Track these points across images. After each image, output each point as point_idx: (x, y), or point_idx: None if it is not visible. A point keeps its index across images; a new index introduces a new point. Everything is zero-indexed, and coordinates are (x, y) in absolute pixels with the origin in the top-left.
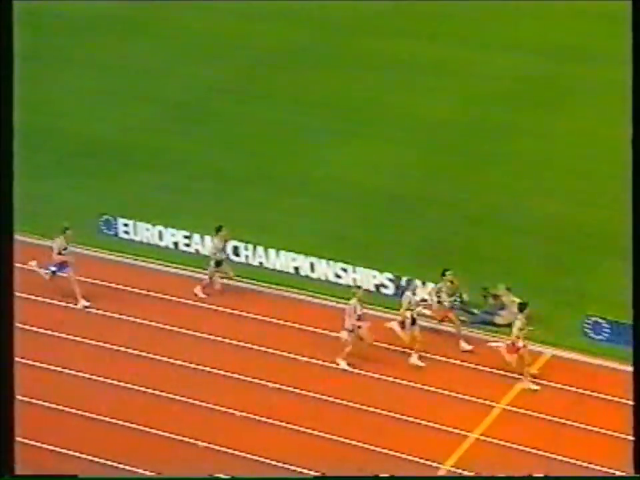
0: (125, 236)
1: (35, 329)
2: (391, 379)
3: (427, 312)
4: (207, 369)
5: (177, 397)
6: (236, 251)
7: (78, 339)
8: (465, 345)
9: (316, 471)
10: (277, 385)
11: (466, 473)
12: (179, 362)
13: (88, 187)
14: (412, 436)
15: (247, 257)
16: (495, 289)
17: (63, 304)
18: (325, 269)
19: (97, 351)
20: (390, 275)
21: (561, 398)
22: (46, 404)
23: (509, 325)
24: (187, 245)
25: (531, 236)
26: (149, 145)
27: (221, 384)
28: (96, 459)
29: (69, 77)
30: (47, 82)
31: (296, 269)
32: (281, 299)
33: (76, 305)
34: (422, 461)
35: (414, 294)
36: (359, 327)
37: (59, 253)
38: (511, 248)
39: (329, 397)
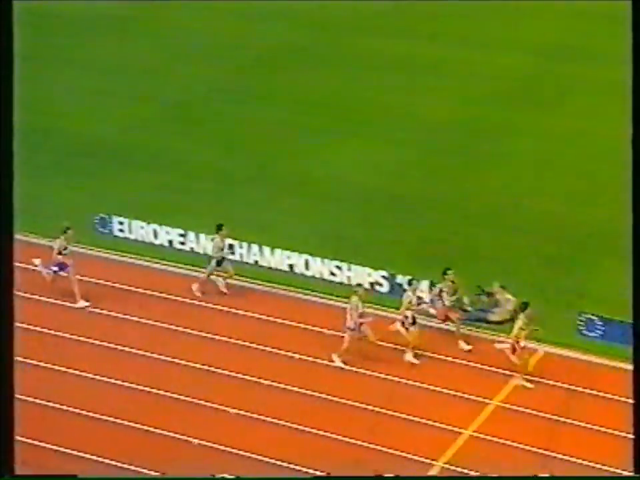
0: (120, 234)
1: (35, 328)
2: (383, 375)
3: (433, 311)
4: (208, 368)
5: (178, 396)
6: (231, 248)
7: (78, 338)
8: (464, 345)
9: (309, 468)
10: (274, 383)
11: (459, 470)
12: (181, 361)
13: (86, 186)
14: (406, 433)
15: (241, 254)
16: (489, 287)
17: (64, 304)
18: (319, 267)
19: (97, 350)
20: (384, 273)
21: (554, 395)
22: (46, 403)
23: (503, 322)
24: (182, 243)
25: (528, 235)
26: (149, 144)
27: (223, 383)
28: (96, 459)
29: (67, 76)
30: (45, 82)
31: (290, 266)
32: (279, 298)
33: (74, 304)
34: (416, 457)
35: (414, 294)
36: (361, 324)
37: (59, 253)
38: (507, 247)
39: (322, 394)
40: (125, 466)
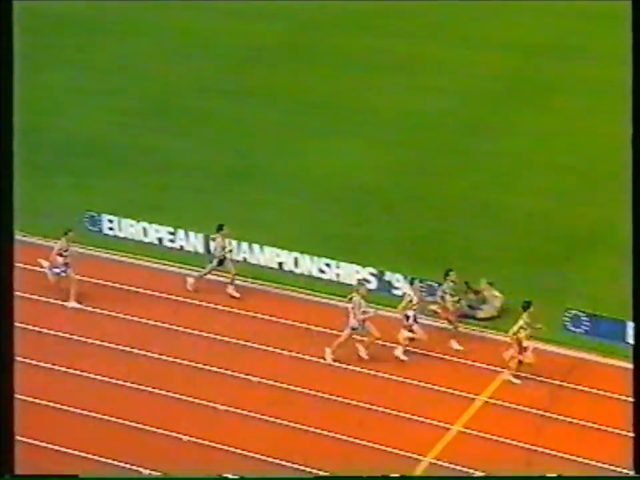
0: (110, 232)
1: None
2: (372, 372)
3: (439, 310)
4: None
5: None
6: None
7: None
8: (455, 345)
9: (300, 465)
10: (257, 378)
11: (447, 465)
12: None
13: (78, 185)
14: (394, 429)
15: (230, 252)
16: (476, 284)
17: (64, 304)
18: (308, 264)
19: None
20: (373, 270)
21: (541, 391)
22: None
23: (491, 319)
24: (172, 241)
25: (516, 233)
26: (142, 143)
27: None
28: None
29: (61, 76)
30: (45, 82)
31: (280, 264)
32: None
33: (66, 302)
34: (404, 453)
35: (416, 293)
36: (364, 320)
37: (60, 255)
38: (497, 245)
39: (310, 390)
40: (125, 466)
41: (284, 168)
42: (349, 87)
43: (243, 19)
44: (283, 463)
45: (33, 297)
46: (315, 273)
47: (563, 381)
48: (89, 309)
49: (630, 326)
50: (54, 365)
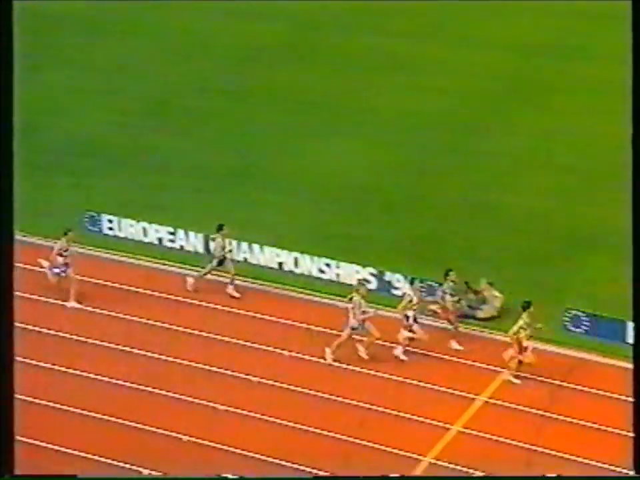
0: (110, 232)
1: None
2: (372, 372)
3: (439, 310)
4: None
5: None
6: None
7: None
8: (455, 345)
9: (301, 465)
10: (257, 378)
11: (447, 465)
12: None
13: (77, 185)
14: (393, 428)
15: (230, 252)
16: (476, 284)
17: (64, 304)
18: (308, 264)
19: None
20: (373, 270)
21: (541, 391)
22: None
23: (491, 319)
24: (172, 241)
25: (516, 232)
26: (141, 143)
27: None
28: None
29: (61, 76)
30: (45, 82)
31: (280, 264)
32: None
33: (66, 302)
34: (404, 453)
35: (416, 294)
36: (364, 320)
37: (60, 255)
38: (497, 244)
39: (311, 390)
40: (125, 466)
41: (284, 168)
42: (348, 87)
43: (243, 19)
44: (283, 463)
45: (32, 297)
46: (315, 273)
47: (562, 380)
48: (89, 309)
49: (630, 326)
50: (54, 365)
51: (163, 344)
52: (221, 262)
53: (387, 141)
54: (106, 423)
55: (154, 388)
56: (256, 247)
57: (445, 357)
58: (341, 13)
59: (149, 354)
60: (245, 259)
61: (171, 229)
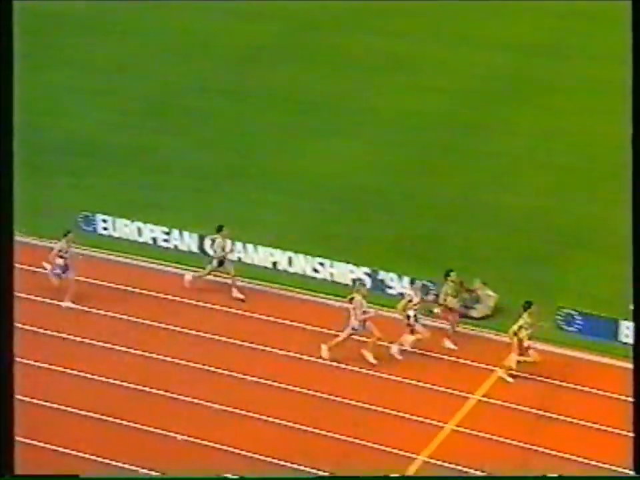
0: (104, 232)
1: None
2: (364, 370)
3: (438, 311)
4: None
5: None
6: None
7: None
8: (449, 344)
9: (295, 464)
10: (255, 378)
11: (441, 464)
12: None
13: (72, 185)
14: (388, 427)
15: (231, 252)
16: (470, 283)
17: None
18: (302, 264)
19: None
20: (367, 269)
21: (534, 389)
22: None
23: (484, 318)
24: (166, 241)
25: (509, 231)
26: (141, 143)
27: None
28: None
29: (61, 76)
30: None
31: (274, 263)
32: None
33: (61, 302)
34: (397, 451)
35: (417, 293)
36: (365, 320)
37: (60, 256)
38: (495, 244)
39: (305, 388)
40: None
41: (284, 168)
42: (348, 87)
43: (242, 18)
44: (282, 462)
45: (33, 297)
46: (309, 272)
47: (555, 379)
48: (88, 309)
49: (623, 324)
50: (53, 365)
51: (161, 344)
52: (221, 263)
53: (387, 141)
54: (105, 423)
55: (153, 388)
56: (250, 246)
57: (439, 356)
58: (341, 13)
59: (147, 354)
60: (239, 259)
61: (166, 229)
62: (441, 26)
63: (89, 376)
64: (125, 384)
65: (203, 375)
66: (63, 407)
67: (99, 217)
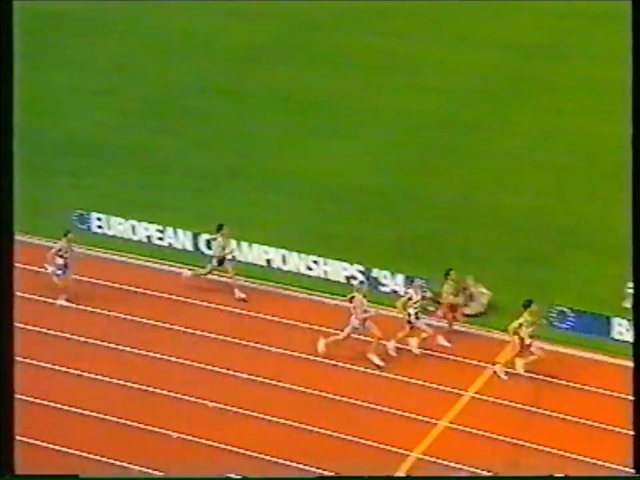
0: (99, 230)
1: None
2: (355, 367)
3: (434, 309)
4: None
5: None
6: (209, 244)
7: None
8: (443, 341)
9: (292, 462)
10: (251, 376)
11: (434, 461)
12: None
13: (67, 184)
14: (381, 424)
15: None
16: (463, 280)
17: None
18: (296, 261)
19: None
20: (361, 267)
21: (527, 386)
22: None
23: (477, 315)
24: (160, 239)
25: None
26: (141, 143)
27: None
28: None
29: (61, 76)
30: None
31: (268, 261)
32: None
33: (55, 300)
34: (391, 448)
35: (417, 292)
36: (365, 319)
37: (60, 256)
38: (494, 244)
39: (298, 386)
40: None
41: (284, 168)
42: (348, 87)
43: (242, 18)
44: (286, 462)
45: (32, 297)
46: (303, 270)
47: (548, 376)
48: (88, 308)
49: (616, 321)
50: (54, 364)
51: (163, 344)
52: (220, 262)
53: (387, 141)
54: (106, 423)
55: (154, 388)
56: (244, 244)
57: (432, 353)
58: (341, 13)
59: (150, 354)
60: (233, 257)
61: (160, 227)
62: (440, 26)
63: (91, 376)
64: (127, 384)
65: (206, 374)
66: (64, 407)
67: (94, 215)
